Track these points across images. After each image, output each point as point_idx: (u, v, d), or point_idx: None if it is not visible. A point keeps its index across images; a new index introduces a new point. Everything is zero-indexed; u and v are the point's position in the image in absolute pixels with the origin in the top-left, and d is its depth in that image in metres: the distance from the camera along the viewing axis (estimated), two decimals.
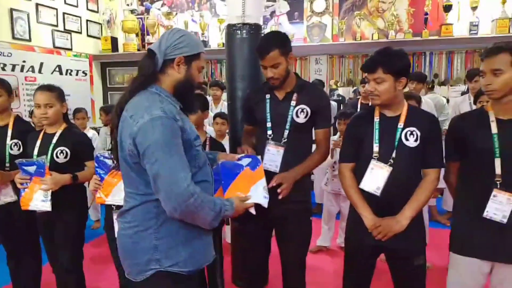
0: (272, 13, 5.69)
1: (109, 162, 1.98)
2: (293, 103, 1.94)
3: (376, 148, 1.75)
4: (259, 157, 1.84)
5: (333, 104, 4.65)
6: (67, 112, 2.35)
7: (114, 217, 2.07)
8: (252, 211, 1.66)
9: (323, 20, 5.41)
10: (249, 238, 2.15)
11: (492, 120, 1.67)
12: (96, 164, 2.02)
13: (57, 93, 2.22)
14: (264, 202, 1.68)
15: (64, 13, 5.32)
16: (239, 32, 2.56)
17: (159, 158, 1.27)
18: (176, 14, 5.87)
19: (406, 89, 2.67)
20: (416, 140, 1.72)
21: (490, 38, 4.68)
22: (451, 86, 5.16)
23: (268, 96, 1.99)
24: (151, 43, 5.78)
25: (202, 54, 1.47)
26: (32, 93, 2.45)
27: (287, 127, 1.93)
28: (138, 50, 5.80)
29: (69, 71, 5.39)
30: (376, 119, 1.79)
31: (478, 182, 1.69)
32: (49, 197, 2.11)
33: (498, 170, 1.63)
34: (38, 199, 2.11)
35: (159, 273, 1.39)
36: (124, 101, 1.41)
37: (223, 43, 5.45)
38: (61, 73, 5.26)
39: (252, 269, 2.18)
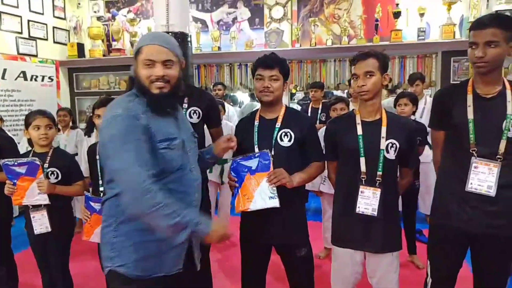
0: (234, 19, 5.85)
1: (16, 168, 2.13)
2: (185, 105, 2.12)
3: (256, 149, 1.88)
4: (267, 151, 1.81)
5: None
6: None
7: (31, 215, 2.22)
8: (274, 203, 1.72)
9: (282, 26, 5.58)
10: None
11: (358, 123, 1.82)
12: (5, 171, 2.15)
13: None
14: (273, 203, 1.74)
15: (29, 21, 5.45)
16: None
17: (114, 153, 1.28)
18: (140, 20, 6.02)
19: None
20: (290, 141, 1.86)
21: (437, 44, 4.88)
22: (404, 89, 5.33)
23: None
24: (117, 49, 5.99)
25: (143, 48, 1.41)
26: None
27: None
28: (104, 55, 5.93)
29: (34, 77, 5.52)
30: (256, 122, 1.93)
31: (348, 180, 1.85)
32: None
33: (363, 168, 1.79)
34: None
35: (111, 272, 1.39)
36: None
37: None
38: (25, 79, 5.38)
39: None
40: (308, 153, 1.94)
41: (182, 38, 2.75)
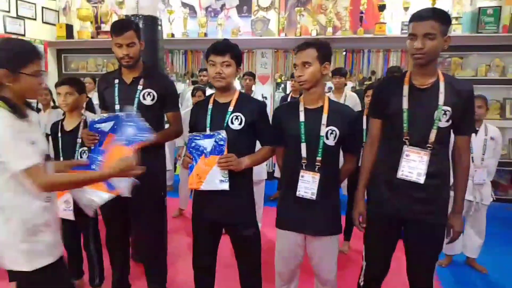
0: (223, 6, 5.87)
1: None
2: (140, 87, 2.17)
3: (208, 132, 1.94)
4: (222, 132, 1.89)
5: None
6: None
7: None
8: (224, 187, 1.87)
9: (269, 15, 5.59)
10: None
11: (301, 110, 1.89)
12: None
13: None
14: (223, 186, 1.88)
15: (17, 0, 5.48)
16: None
17: None
18: None
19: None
20: (240, 124, 1.92)
21: None
22: None
23: (116, 81, 2.20)
24: (105, 31, 6.01)
25: None
26: None
27: (134, 108, 2.15)
28: (92, 37, 5.95)
29: None
30: (210, 106, 1.99)
31: (291, 164, 1.91)
32: None
33: (304, 153, 1.85)
34: None
35: None
36: None
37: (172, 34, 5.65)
38: None
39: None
40: (258, 137, 2.02)
41: (152, 22, 2.78)
